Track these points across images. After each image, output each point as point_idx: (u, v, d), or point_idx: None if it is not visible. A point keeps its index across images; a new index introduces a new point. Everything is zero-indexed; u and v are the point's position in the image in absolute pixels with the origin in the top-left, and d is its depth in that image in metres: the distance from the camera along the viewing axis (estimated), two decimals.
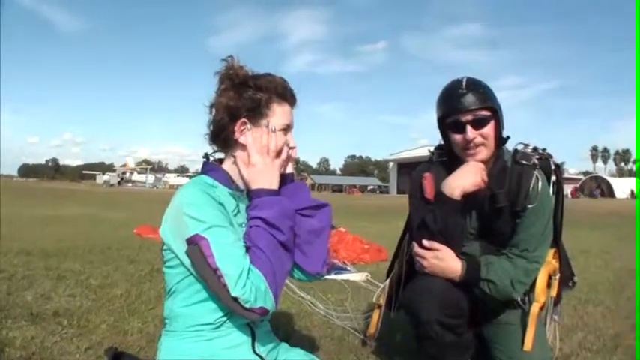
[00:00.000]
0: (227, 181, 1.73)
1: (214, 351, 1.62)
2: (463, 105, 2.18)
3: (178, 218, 1.57)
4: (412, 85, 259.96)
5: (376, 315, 2.69)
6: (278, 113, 1.72)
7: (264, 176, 1.66)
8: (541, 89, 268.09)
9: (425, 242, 2.22)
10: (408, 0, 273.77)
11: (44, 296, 4.31)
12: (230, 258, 1.50)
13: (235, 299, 1.47)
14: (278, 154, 1.71)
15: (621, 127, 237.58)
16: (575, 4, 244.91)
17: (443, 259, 2.20)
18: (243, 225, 1.68)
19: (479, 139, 2.19)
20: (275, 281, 1.54)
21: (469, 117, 2.18)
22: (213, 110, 1.75)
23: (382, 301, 2.67)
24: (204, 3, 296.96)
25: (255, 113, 1.70)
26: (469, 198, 2.21)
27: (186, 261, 1.55)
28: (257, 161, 1.67)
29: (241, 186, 1.74)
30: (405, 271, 2.48)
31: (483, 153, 2.22)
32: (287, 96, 1.75)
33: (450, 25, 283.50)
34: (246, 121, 1.70)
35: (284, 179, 1.76)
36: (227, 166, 1.76)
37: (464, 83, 2.22)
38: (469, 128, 2.18)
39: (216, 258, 1.48)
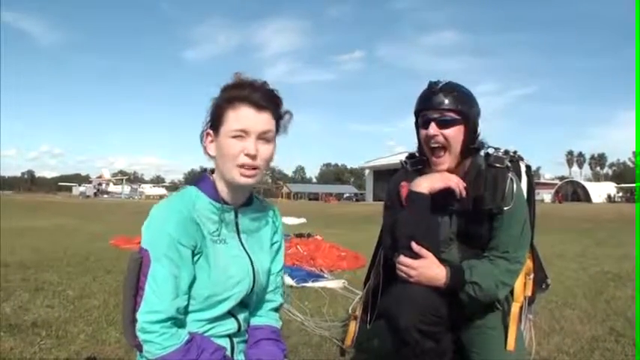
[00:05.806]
0: (212, 191, 1.69)
1: None
2: (432, 103, 2.22)
3: (147, 225, 1.63)
4: (388, 94, 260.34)
5: (352, 326, 2.63)
6: (231, 119, 1.63)
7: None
8: (516, 95, 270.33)
9: (414, 246, 2.15)
10: (384, 9, 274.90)
11: (22, 307, 4.30)
12: (159, 297, 1.57)
13: (136, 319, 1.58)
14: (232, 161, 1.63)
15: (596, 133, 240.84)
16: (548, 13, 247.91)
17: (429, 268, 2.16)
18: (226, 237, 1.70)
19: (440, 138, 2.21)
20: None
21: (435, 115, 2.21)
22: None
23: (358, 312, 2.62)
24: (179, 16, 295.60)
25: (215, 122, 1.67)
26: (447, 202, 2.22)
27: None
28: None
29: (226, 197, 1.71)
30: (382, 280, 2.44)
31: (447, 160, 2.23)
32: (245, 99, 1.63)
33: (425, 33, 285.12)
34: (209, 132, 1.69)
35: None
36: (215, 177, 1.73)
37: (440, 84, 2.25)
38: (432, 125, 2.21)
39: (148, 284, 1.59)
